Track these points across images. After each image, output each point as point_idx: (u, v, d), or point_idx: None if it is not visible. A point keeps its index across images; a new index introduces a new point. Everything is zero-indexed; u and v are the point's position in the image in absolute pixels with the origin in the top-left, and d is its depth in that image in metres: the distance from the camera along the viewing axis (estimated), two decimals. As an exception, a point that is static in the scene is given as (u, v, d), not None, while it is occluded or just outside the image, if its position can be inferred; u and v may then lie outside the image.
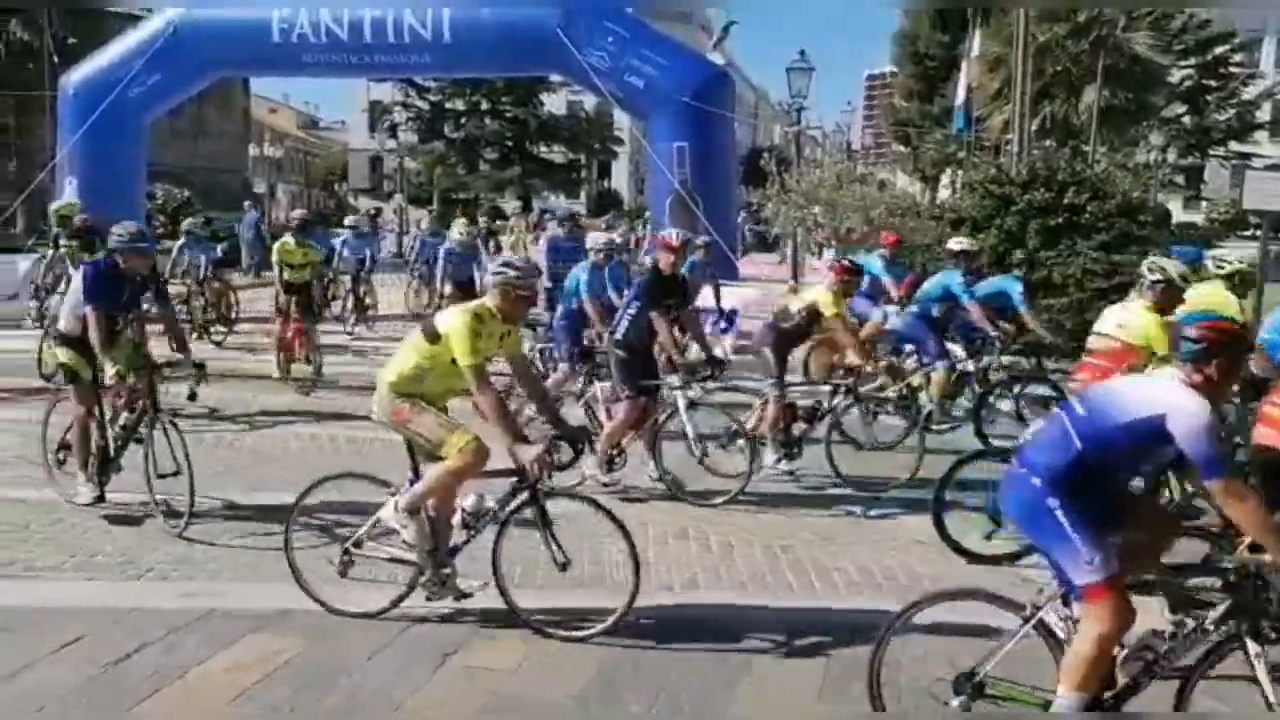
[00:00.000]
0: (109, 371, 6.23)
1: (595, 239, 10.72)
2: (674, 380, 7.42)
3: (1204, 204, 42.08)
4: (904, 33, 43.98)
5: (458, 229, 13.76)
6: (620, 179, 65.37)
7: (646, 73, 14.42)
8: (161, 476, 6.27)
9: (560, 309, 9.40)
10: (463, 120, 56.88)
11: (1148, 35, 27.61)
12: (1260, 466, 4.76)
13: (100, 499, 6.51)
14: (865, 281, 9.96)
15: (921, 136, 41.20)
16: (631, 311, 7.49)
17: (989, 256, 12.25)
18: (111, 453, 6.57)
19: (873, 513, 7.11)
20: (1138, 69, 26.86)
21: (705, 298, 11.41)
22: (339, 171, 74.93)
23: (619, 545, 5.01)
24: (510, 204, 43.35)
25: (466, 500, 5.11)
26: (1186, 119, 35.33)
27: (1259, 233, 24.08)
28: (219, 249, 15.96)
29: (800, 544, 6.34)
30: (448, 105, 56.83)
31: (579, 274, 9.24)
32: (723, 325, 12.04)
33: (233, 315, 14.25)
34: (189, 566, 5.77)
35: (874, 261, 10.70)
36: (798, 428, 7.86)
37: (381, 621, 5.03)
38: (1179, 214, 35.08)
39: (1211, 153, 38.46)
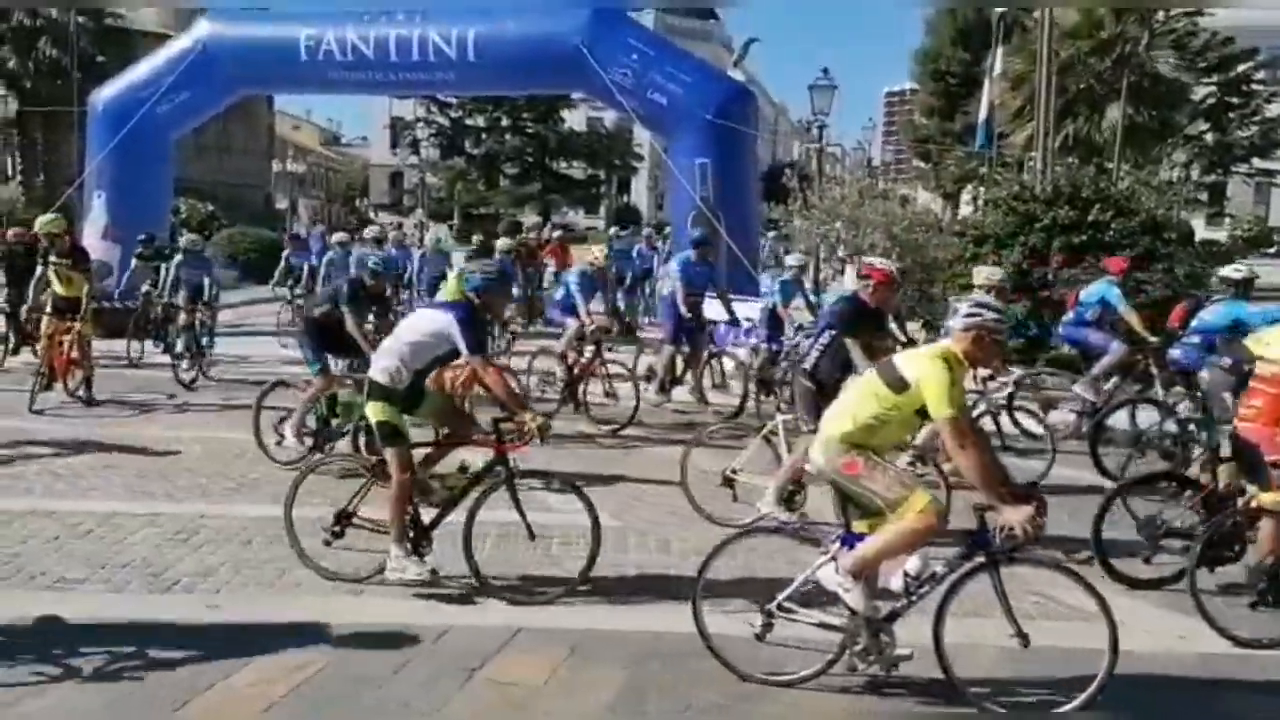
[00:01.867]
0: (533, 425, 5.37)
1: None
2: None
3: (1227, 221, 41.84)
4: (925, 50, 44.12)
5: (595, 251, 11.78)
6: (639, 194, 65.65)
7: (670, 90, 14.43)
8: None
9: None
10: (483, 136, 57.38)
11: (1170, 53, 27.53)
12: None
13: (434, 573, 5.55)
14: (1098, 312, 9.73)
15: (942, 153, 41.21)
16: (824, 341, 6.74)
17: (1011, 272, 12.17)
18: (426, 522, 5.68)
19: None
20: (1161, 87, 26.76)
21: (719, 311, 11.20)
22: (359, 187, 75.57)
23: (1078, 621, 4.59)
24: (529, 219, 43.50)
25: (910, 563, 4.68)
26: (1209, 136, 35.17)
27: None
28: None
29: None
30: (469, 121, 57.36)
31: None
32: (737, 337, 11.93)
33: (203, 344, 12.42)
34: (215, 579, 5.79)
35: (1111, 290, 9.82)
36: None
37: (407, 635, 5.03)
38: (1202, 231, 34.83)
39: (1234, 170, 38.31)
